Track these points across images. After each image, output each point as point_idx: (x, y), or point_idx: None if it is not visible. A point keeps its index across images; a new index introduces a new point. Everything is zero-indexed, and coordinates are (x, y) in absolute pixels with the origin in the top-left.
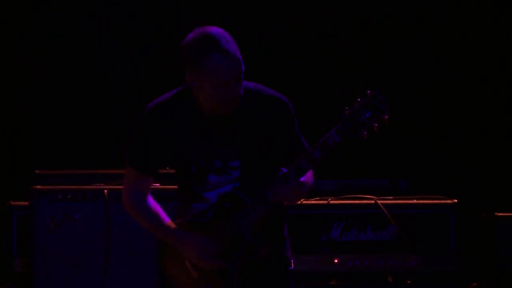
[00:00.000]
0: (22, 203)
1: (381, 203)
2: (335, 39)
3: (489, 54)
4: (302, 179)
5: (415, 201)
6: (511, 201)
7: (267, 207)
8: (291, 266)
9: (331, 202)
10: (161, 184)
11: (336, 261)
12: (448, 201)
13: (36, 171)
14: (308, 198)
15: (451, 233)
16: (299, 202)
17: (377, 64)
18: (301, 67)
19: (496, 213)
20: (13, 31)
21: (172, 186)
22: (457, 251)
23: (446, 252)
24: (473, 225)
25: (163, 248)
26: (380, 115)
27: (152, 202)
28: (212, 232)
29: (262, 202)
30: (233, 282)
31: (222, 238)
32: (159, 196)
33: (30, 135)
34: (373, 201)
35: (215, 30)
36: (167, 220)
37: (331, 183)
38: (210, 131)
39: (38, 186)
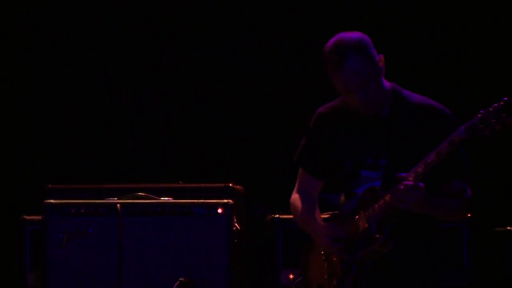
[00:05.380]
0: (35, 217)
1: None
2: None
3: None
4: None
5: None
6: None
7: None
8: None
9: None
10: None
11: None
12: None
13: (49, 185)
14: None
15: (464, 247)
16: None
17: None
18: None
19: (508, 228)
20: (28, 47)
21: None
22: (470, 265)
23: (459, 267)
24: (486, 240)
25: (305, 246)
26: (507, 118)
27: (312, 202)
28: (348, 224)
29: (392, 192)
30: (351, 270)
31: (354, 228)
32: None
33: (43, 149)
34: None
35: (346, 37)
36: (314, 215)
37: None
38: (366, 130)
39: (51, 201)
